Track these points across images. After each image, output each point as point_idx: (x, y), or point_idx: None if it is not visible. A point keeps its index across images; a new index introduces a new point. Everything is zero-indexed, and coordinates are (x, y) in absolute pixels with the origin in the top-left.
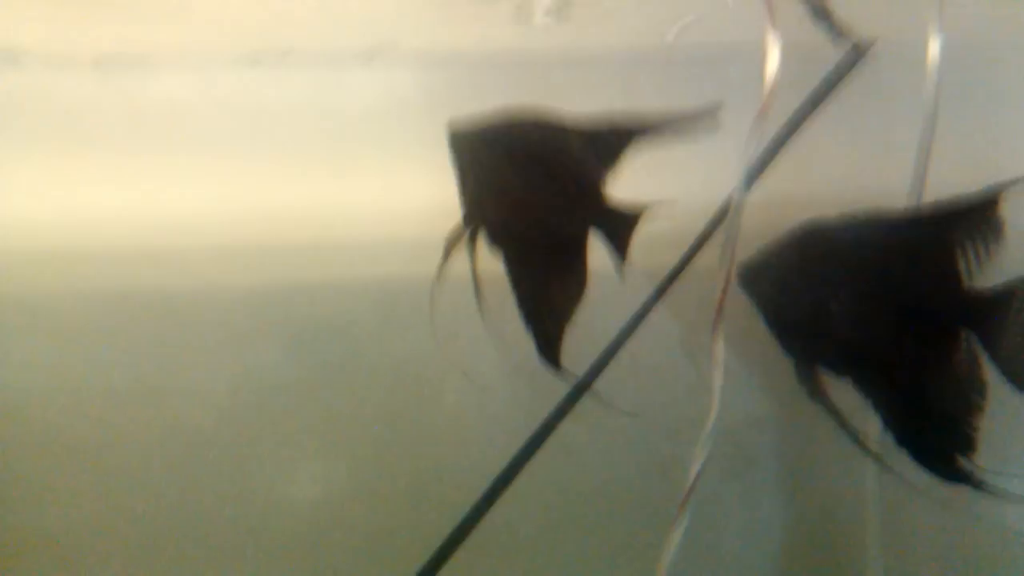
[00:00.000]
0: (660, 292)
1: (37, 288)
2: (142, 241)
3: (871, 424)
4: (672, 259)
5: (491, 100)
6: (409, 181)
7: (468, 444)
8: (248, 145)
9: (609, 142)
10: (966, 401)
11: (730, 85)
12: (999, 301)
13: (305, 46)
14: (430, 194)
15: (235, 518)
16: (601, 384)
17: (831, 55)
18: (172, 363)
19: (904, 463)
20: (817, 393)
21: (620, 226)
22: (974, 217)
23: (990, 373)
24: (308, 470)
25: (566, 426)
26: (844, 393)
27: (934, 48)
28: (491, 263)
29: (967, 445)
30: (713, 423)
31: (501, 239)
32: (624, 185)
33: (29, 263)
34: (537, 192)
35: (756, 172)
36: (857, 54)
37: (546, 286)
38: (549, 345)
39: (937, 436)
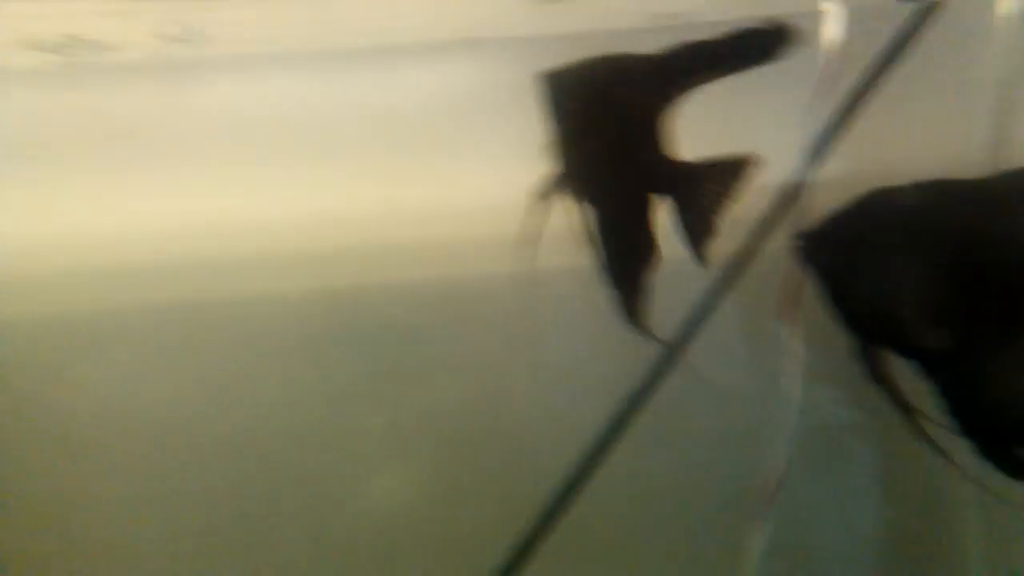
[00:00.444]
0: (726, 282)
1: (101, 304)
2: (208, 250)
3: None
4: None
5: None
6: (471, 180)
7: (542, 442)
8: (310, 148)
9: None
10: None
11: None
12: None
13: (359, 45)
14: (493, 192)
15: (308, 525)
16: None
17: (894, 15)
18: (241, 372)
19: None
20: (881, 377)
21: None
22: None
23: None
24: (381, 474)
25: (645, 419)
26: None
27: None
28: None
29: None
30: (795, 422)
31: (588, 188)
32: None
33: (91, 279)
34: (624, 131)
35: (822, 147)
36: (926, 11)
37: (635, 240)
38: (635, 307)
39: (1003, 422)
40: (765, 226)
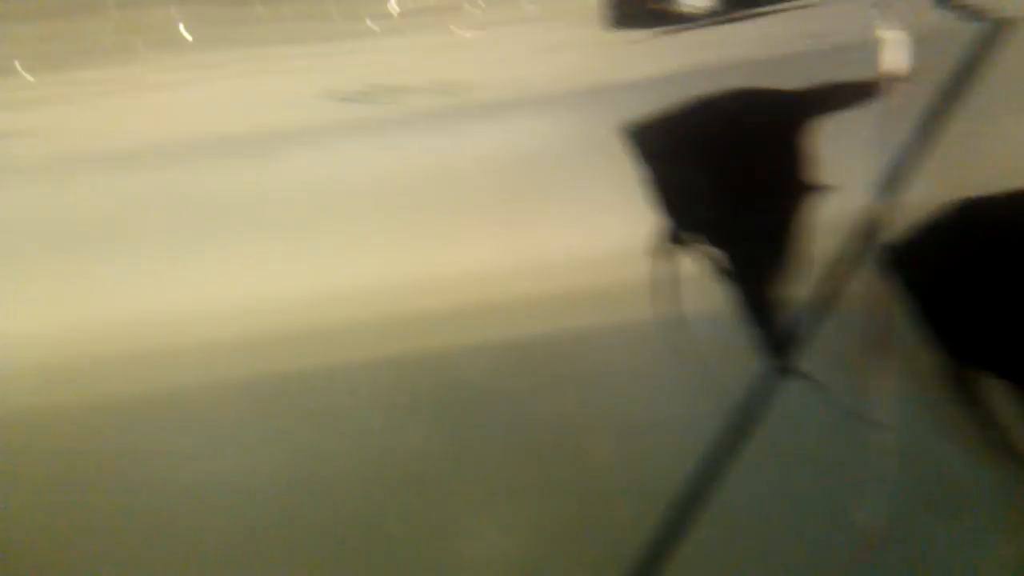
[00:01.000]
0: (808, 325)
1: (187, 380)
2: (291, 321)
3: None
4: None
5: None
6: (547, 238)
7: (628, 501)
8: (388, 214)
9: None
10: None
11: None
12: None
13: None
14: (568, 248)
15: None
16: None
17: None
18: (324, 442)
19: None
20: (973, 399)
21: None
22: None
23: None
24: (471, 544)
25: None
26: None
27: None
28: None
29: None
30: (897, 471)
31: (710, 232)
32: None
33: (179, 355)
34: (741, 170)
35: (897, 176)
36: (993, 30)
37: (768, 277)
38: (783, 343)
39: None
40: (845, 259)
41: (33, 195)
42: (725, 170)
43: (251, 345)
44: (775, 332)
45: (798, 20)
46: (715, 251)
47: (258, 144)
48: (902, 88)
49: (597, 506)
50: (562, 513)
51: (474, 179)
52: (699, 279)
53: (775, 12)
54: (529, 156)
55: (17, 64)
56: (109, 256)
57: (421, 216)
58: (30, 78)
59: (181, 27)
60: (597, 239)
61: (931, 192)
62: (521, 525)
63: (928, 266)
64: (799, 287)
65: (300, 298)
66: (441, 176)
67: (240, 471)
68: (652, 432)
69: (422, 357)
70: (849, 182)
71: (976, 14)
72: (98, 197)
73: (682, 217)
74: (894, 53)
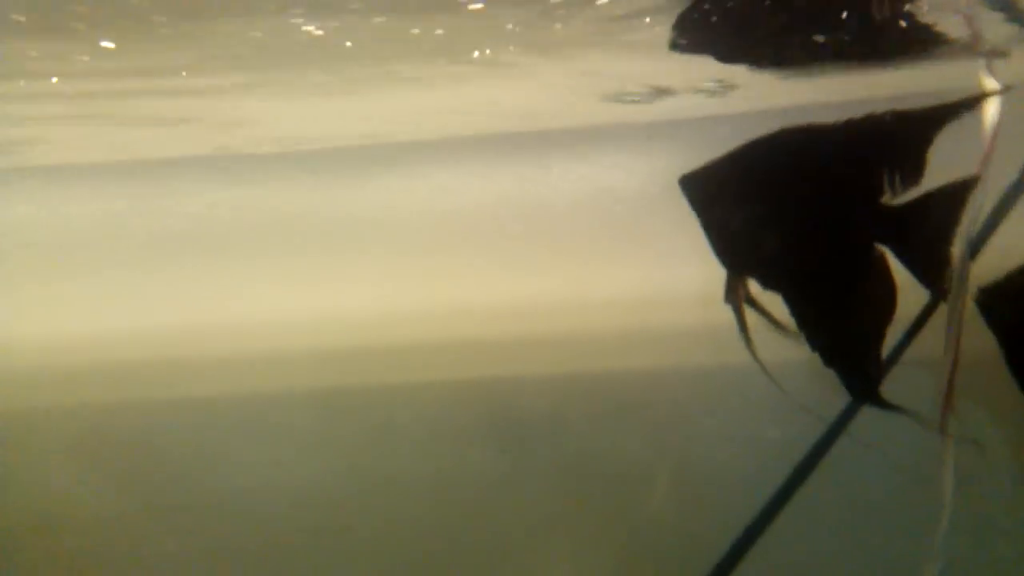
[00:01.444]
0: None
1: (252, 389)
2: (349, 339)
3: None
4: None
5: None
6: (613, 272)
7: (678, 543)
8: (452, 240)
9: (876, 140)
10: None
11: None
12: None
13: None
14: (631, 285)
15: None
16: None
17: None
18: (381, 458)
19: None
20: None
21: (918, 230)
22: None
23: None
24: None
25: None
26: None
27: None
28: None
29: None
30: (945, 529)
31: (773, 277)
32: None
33: (244, 364)
34: (800, 210)
35: (984, 235)
36: None
37: (843, 314)
38: (866, 380)
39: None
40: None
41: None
42: (784, 212)
43: (320, 357)
44: (858, 370)
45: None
46: (783, 295)
47: (357, 164)
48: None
49: (648, 544)
50: (611, 549)
51: (557, 211)
52: (768, 325)
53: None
54: (615, 191)
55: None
56: (194, 263)
57: (500, 244)
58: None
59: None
60: (672, 279)
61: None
62: (568, 556)
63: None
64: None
65: (371, 315)
66: (526, 206)
67: (297, 479)
68: (710, 478)
69: (487, 383)
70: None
71: None
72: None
73: (744, 262)
74: (994, 104)
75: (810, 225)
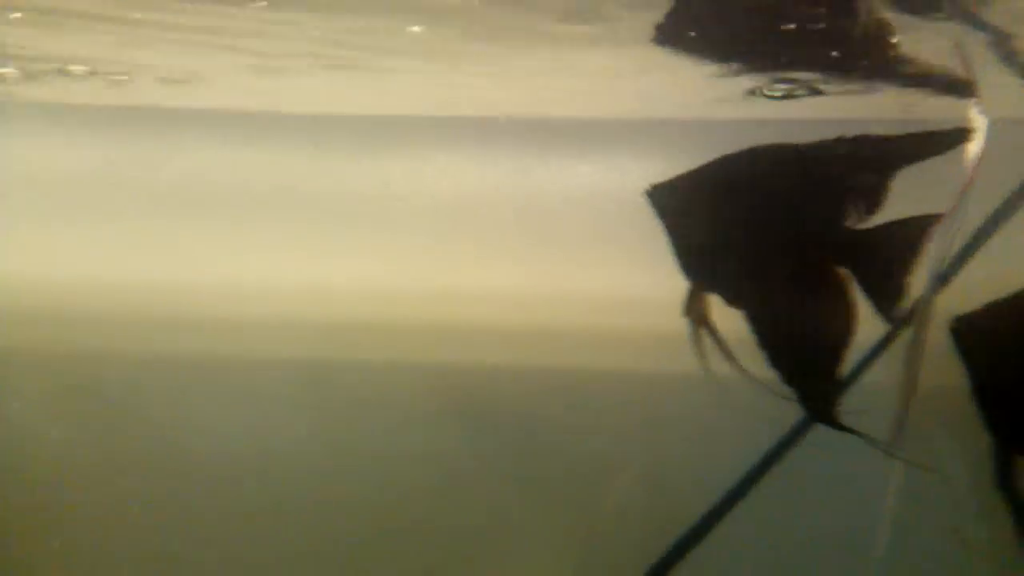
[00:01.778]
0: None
1: (232, 353)
2: (345, 313)
3: None
4: None
5: None
6: (598, 271)
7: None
8: (445, 224)
9: (849, 163)
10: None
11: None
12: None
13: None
14: (613, 285)
15: None
16: None
17: None
18: (353, 436)
19: None
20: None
21: (877, 256)
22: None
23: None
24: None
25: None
26: None
27: None
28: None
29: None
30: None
31: (734, 293)
32: None
33: (227, 327)
34: (764, 228)
35: (954, 268)
36: None
37: (802, 334)
38: (821, 400)
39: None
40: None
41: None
42: (749, 230)
43: (303, 327)
44: (812, 389)
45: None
46: (744, 312)
47: (360, 137)
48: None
49: (603, 539)
50: (568, 542)
51: (553, 204)
52: (732, 335)
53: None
54: (611, 190)
55: None
56: (187, 219)
57: (492, 231)
58: None
59: None
60: (655, 283)
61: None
62: (525, 547)
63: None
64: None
65: (355, 290)
66: (525, 198)
67: (269, 445)
68: (669, 480)
69: (464, 368)
70: None
71: None
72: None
73: (706, 276)
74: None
75: (774, 243)
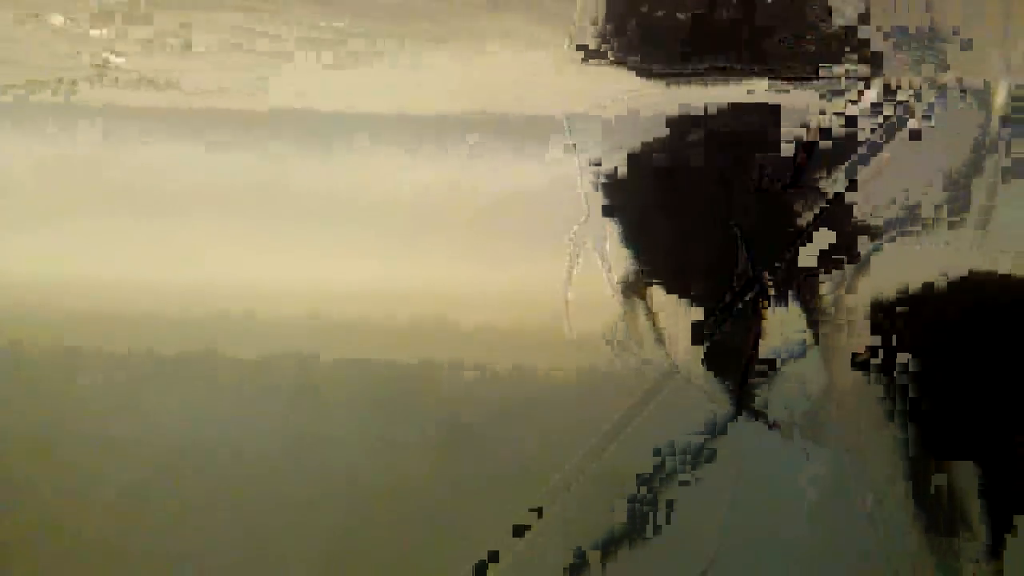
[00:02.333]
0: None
1: (181, 349)
2: (301, 309)
3: None
4: None
5: None
6: (542, 269)
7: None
8: (397, 221)
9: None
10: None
11: None
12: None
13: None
14: (556, 284)
15: None
16: None
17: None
18: (302, 432)
19: None
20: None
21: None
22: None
23: None
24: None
25: None
26: None
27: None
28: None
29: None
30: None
31: (668, 275)
32: None
33: (177, 324)
34: (690, 204)
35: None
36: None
37: (724, 320)
38: (740, 386)
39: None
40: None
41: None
42: (678, 206)
43: (249, 323)
44: (735, 377)
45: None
46: (680, 296)
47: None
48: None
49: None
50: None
51: (503, 201)
52: (665, 324)
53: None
54: (566, 187)
55: None
56: (137, 215)
57: (443, 229)
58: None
59: None
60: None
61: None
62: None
63: (907, 331)
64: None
65: (299, 287)
66: (474, 194)
67: (218, 444)
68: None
69: (393, 366)
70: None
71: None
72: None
73: (641, 256)
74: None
75: (699, 221)
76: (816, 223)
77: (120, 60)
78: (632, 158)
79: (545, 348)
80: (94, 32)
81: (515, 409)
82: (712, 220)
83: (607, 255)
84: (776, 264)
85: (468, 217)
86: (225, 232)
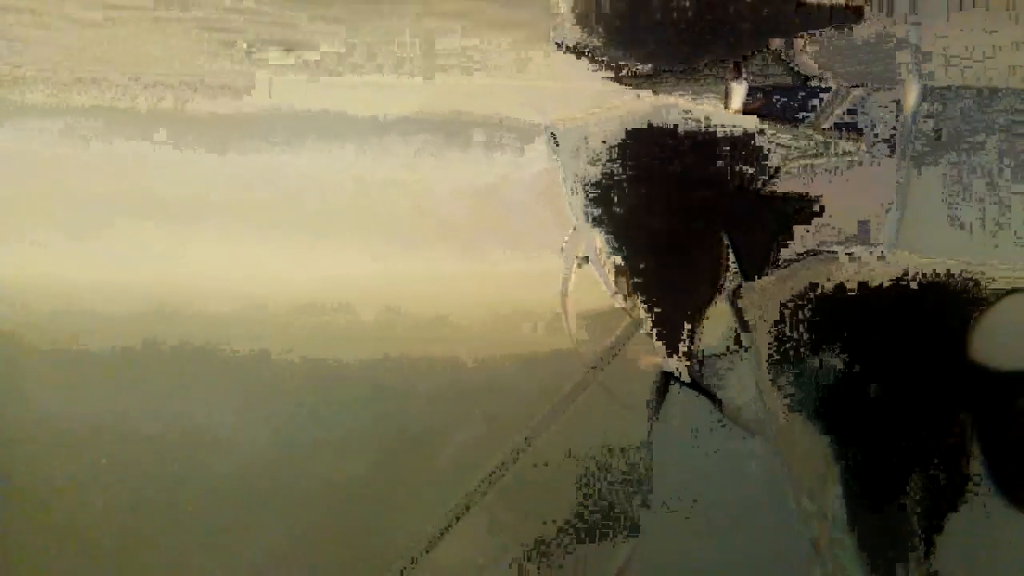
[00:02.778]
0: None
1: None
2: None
3: None
4: None
5: None
6: (479, 260)
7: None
8: (329, 215)
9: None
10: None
11: None
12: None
13: None
14: (489, 274)
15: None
16: None
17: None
18: (199, 417)
19: None
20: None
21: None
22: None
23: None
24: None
25: None
26: None
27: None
28: None
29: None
30: None
31: (617, 235)
32: None
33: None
34: (654, 179)
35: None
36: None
37: (675, 283)
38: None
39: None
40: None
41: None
42: (640, 178)
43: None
44: (679, 347)
45: None
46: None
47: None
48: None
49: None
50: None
51: (449, 193)
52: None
53: None
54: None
55: None
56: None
57: (380, 226)
58: None
59: None
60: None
61: None
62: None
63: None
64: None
65: (241, 284)
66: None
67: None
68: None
69: (320, 361)
70: None
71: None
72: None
73: (594, 217)
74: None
75: (661, 195)
76: (795, 221)
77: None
78: (613, 163)
79: (489, 337)
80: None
81: (456, 400)
82: (696, 223)
83: (597, 261)
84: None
85: (424, 214)
86: (169, 230)
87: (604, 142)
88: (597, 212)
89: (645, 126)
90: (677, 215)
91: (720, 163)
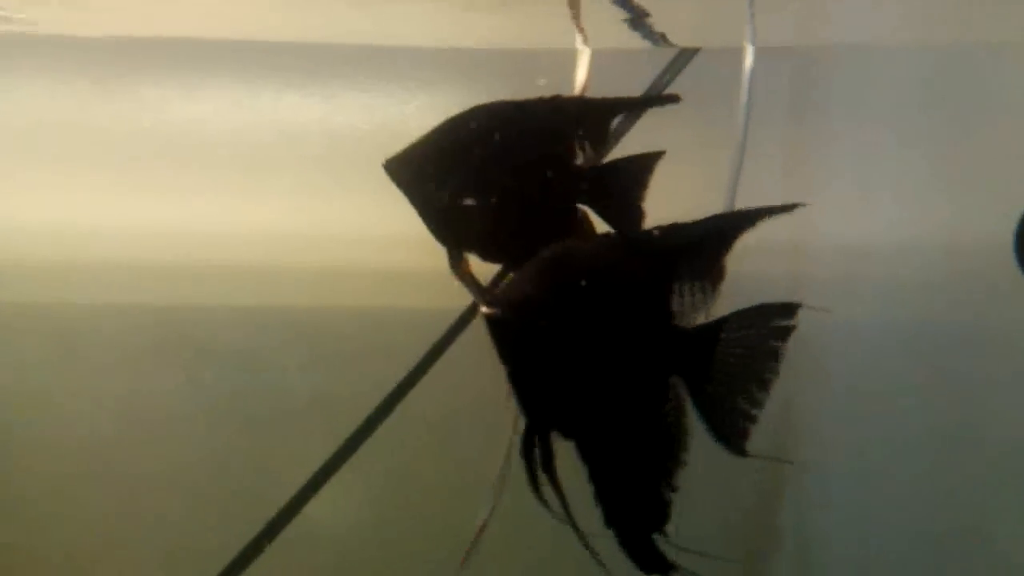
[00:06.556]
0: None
1: None
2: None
3: None
4: None
5: None
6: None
7: None
8: (186, 159)
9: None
10: (670, 456)
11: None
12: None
13: None
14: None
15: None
16: None
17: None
18: (60, 380)
19: None
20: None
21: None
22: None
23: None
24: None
25: None
26: None
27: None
28: None
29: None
30: None
31: (486, 248)
32: None
33: None
34: (499, 181)
35: None
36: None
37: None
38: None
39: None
40: None
41: None
42: (485, 185)
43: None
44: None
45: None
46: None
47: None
48: None
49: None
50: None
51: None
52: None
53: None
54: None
55: None
56: None
57: (236, 168)
58: None
59: None
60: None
61: None
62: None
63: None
64: None
65: (62, 229)
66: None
67: None
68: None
69: (180, 309)
70: None
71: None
72: None
73: (457, 238)
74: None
75: (511, 194)
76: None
77: None
78: (433, 133)
79: (332, 287)
80: None
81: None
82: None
83: None
84: None
85: (246, 154)
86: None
87: (433, 162)
88: (455, 234)
89: (463, 133)
90: (530, 206)
91: (549, 142)
